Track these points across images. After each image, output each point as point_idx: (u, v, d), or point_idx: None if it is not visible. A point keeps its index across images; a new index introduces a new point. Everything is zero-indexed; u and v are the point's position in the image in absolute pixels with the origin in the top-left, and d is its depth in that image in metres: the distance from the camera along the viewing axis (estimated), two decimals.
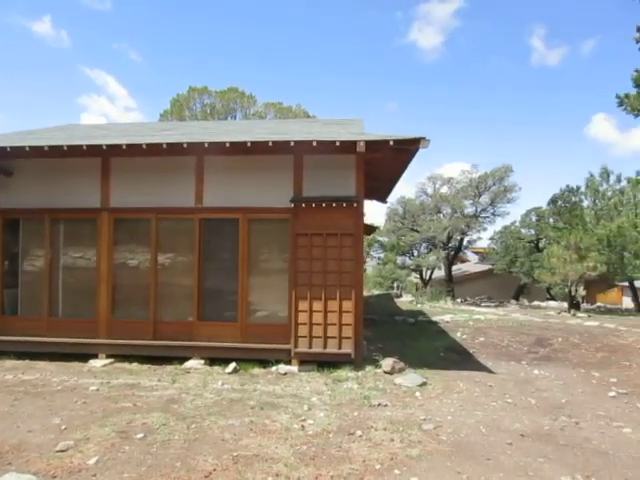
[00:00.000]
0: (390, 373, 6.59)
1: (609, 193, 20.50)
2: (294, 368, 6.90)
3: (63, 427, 4.56)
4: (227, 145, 6.74)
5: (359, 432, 4.49)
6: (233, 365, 6.85)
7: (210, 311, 7.45)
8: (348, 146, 6.71)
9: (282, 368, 6.86)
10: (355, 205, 7.05)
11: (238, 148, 6.85)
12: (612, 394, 5.95)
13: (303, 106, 29.02)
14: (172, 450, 4.07)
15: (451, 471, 3.73)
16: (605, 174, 20.70)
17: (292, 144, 6.70)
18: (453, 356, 8.06)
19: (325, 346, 6.95)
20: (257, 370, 6.92)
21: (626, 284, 21.55)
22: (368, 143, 6.63)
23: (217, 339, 7.24)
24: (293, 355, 7.01)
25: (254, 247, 7.41)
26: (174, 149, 6.93)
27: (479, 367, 7.29)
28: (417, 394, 5.77)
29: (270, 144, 6.69)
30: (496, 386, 6.22)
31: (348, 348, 6.90)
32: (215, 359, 7.16)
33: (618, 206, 19.28)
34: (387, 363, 6.74)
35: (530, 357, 8.13)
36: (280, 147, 6.87)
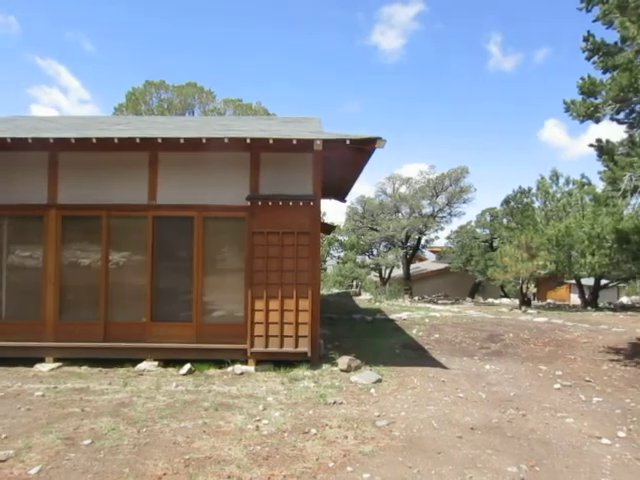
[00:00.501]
0: (346, 371, 6.64)
1: (558, 195, 21.33)
2: (250, 368, 6.84)
3: (4, 436, 4.33)
4: (181, 141, 6.59)
5: (314, 430, 4.50)
6: (188, 366, 6.72)
7: (164, 311, 7.27)
8: (305, 144, 6.70)
9: (238, 368, 6.78)
10: (312, 203, 7.04)
11: (193, 144, 6.71)
12: (557, 386, 6.21)
13: (263, 104, 28.85)
14: (121, 455, 3.94)
15: (403, 466, 3.79)
16: (555, 177, 21.52)
17: (248, 141, 6.63)
18: (409, 353, 8.20)
19: (282, 345, 6.92)
20: (213, 371, 6.81)
21: (573, 282, 22.53)
22: (325, 142, 6.65)
23: (171, 340, 7.08)
24: (249, 355, 6.94)
25: (210, 246, 7.29)
26: (126, 144, 6.71)
27: (433, 363, 7.44)
28: (372, 391, 5.83)
29: (226, 141, 6.59)
30: (449, 381, 6.37)
31: (305, 347, 6.89)
32: (169, 360, 7.00)
33: (566, 207, 20.09)
34: (343, 361, 6.78)
35: (482, 352, 8.38)
36: (236, 144, 6.77)
